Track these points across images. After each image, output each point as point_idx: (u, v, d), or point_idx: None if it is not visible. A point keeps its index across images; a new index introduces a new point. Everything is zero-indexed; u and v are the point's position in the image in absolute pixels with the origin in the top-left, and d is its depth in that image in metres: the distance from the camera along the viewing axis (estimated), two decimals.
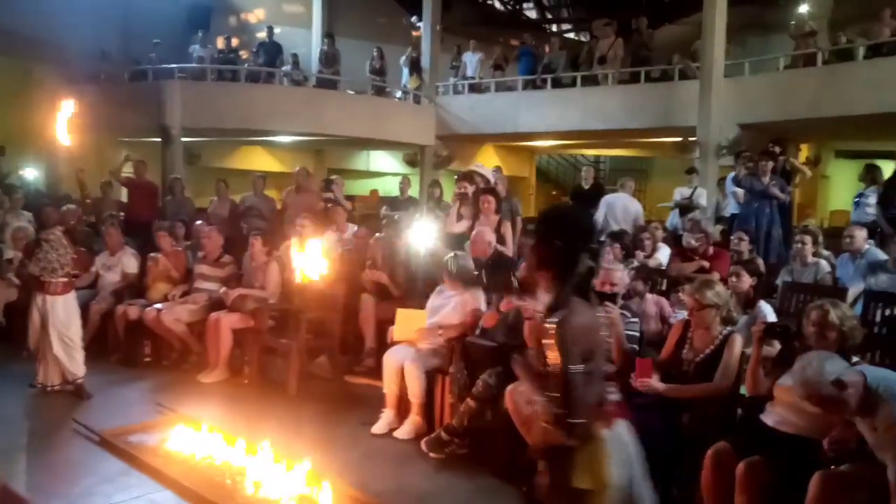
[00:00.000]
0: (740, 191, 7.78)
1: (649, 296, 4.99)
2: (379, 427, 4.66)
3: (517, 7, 19.34)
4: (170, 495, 3.66)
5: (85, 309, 6.51)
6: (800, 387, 2.63)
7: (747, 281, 4.56)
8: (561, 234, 2.15)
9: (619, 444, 2.14)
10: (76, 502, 3.57)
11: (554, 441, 2.13)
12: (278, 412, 5.04)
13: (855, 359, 3.12)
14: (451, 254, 4.95)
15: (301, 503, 3.43)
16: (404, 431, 4.57)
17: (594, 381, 2.13)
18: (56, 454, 4.26)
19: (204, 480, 3.74)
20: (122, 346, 6.35)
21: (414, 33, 14.53)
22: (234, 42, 13.96)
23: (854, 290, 5.16)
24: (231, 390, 5.60)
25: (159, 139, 11.78)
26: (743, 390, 3.59)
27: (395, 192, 10.55)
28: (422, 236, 5.78)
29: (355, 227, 7.16)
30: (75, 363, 5.30)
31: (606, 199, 8.32)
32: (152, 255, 6.73)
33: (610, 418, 2.15)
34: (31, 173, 9.97)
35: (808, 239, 5.59)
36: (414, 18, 14.80)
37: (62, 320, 5.25)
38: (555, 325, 2.08)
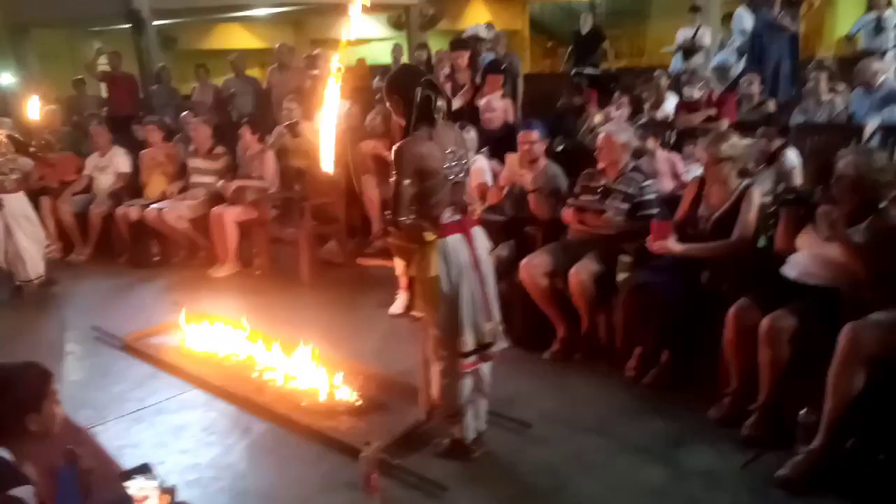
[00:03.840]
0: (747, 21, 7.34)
1: (660, 152, 4.83)
2: (395, 308, 4.69)
3: None
4: (200, 394, 3.73)
5: (85, 214, 6.45)
6: (852, 167, 2.81)
7: (777, 143, 4.33)
8: (396, 90, 2.76)
9: (452, 249, 2.75)
10: (110, 409, 3.64)
11: (398, 244, 2.86)
12: (295, 301, 5.08)
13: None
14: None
15: (329, 391, 3.48)
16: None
17: (430, 196, 2.71)
18: (82, 363, 4.30)
19: (231, 377, 3.81)
20: (129, 247, 6.31)
21: None
22: None
23: (871, 125, 4.97)
24: (244, 283, 5.62)
25: (129, 25, 11.09)
26: (761, 243, 3.53)
27: (383, 59, 10.07)
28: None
29: (347, 104, 6.85)
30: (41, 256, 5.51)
31: None
32: (143, 151, 6.53)
33: (445, 231, 2.75)
34: (6, 78, 9.44)
35: (822, 76, 5.33)
36: None
37: (22, 212, 5.39)
38: (395, 150, 2.69)
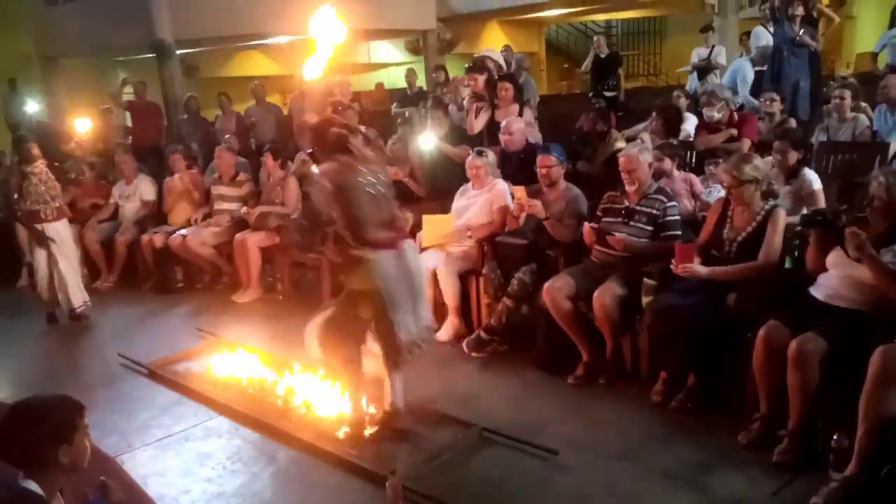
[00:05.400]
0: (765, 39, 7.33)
1: (676, 173, 4.80)
2: (442, 334, 4.62)
3: None
4: (225, 421, 3.73)
5: (110, 242, 6.55)
6: (884, 189, 2.84)
7: (794, 156, 4.26)
8: (315, 141, 3.28)
9: (387, 263, 3.14)
10: (136, 436, 3.66)
11: (335, 259, 3.36)
12: None
13: None
14: (474, 150, 4.78)
15: (354, 418, 3.47)
16: (444, 334, 4.56)
17: (357, 213, 3.09)
18: (108, 390, 4.32)
19: (255, 403, 3.81)
20: (153, 274, 6.39)
21: None
22: None
23: (895, 144, 4.91)
24: (267, 308, 5.66)
25: (154, 55, 11.34)
26: (788, 265, 3.49)
27: (400, 83, 10.16)
28: (432, 134, 5.60)
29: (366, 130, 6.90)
30: (80, 285, 5.58)
31: None
32: (169, 178, 6.64)
33: (380, 246, 3.14)
34: (32, 107, 9.63)
35: (846, 93, 5.26)
36: None
37: (65, 240, 5.47)
38: (319, 172, 3.17)
